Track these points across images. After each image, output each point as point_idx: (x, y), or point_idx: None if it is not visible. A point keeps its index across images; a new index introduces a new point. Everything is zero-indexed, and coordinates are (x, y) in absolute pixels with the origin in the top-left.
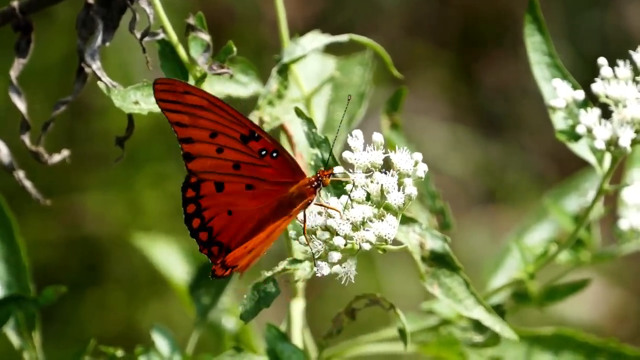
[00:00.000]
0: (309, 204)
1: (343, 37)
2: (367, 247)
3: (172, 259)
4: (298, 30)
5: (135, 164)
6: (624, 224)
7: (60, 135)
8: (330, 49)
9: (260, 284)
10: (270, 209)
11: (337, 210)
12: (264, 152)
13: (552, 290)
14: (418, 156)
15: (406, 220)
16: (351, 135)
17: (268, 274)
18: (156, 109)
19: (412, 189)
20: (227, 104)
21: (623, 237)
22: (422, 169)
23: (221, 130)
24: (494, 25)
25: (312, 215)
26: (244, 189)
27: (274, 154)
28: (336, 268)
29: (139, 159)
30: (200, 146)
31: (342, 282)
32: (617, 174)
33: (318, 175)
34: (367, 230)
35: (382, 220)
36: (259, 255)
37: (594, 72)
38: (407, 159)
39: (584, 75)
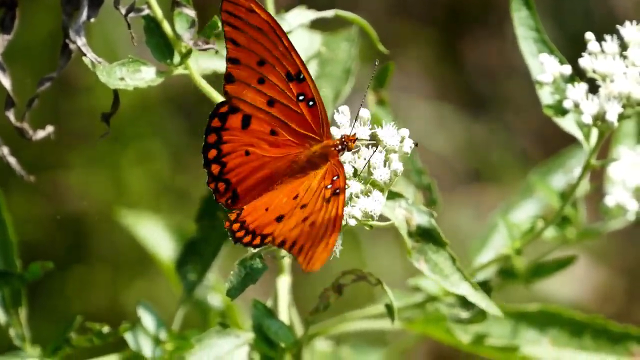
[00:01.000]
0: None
1: (329, 13)
2: (352, 222)
3: (158, 236)
4: (283, 5)
5: (121, 142)
6: (610, 201)
7: (46, 112)
8: (316, 25)
9: (246, 260)
10: (286, 162)
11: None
12: (301, 97)
13: (538, 266)
14: (405, 132)
15: (392, 196)
16: (337, 111)
17: (255, 250)
18: (141, 84)
19: (398, 164)
20: (286, 35)
21: (609, 214)
22: (409, 145)
23: (270, 61)
24: (480, 2)
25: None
26: (268, 132)
27: (310, 103)
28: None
29: (125, 136)
30: (244, 70)
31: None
32: (604, 150)
33: (343, 138)
34: (352, 206)
35: (368, 196)
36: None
37: (580, 50)
38: (393, 135)
39: (569, 54)
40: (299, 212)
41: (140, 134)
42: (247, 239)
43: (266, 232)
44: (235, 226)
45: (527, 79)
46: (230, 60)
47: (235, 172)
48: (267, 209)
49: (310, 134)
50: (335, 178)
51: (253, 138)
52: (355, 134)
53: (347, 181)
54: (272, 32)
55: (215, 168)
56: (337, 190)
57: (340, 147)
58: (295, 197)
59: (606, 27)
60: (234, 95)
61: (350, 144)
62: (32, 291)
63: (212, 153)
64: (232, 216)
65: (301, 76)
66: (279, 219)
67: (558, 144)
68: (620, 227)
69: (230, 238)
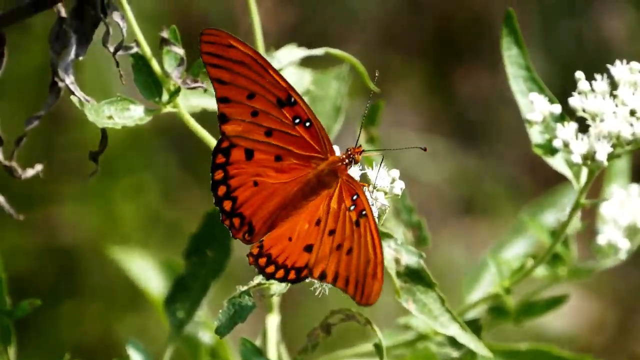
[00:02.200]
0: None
1: (319, 51)
2: None
3: (148, 272)
4: (272, 39)
5: (112, 175)
6: (601, 239)
7: (38, 145)
8: (306, 60)
9: (235, 298)
10: (296, 186)
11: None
12: (297, 120)
13: (529, 305)
14: (395, 173)
15: (382, 236)
16: None
17: (243, 288)
18: (130, 123)
19: (384, 201)
20: (268, 62)
21: (601, 252)
22: (399, 186)
23: (259, 92)
24: (470, 34)
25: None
26: (273, 160)
27: (307, 124)
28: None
29: (116, 170)
30: (236, 107)
31: (317, 293)
32: (595, 188)
33: (349, 152)
34: None
35: None
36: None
37: (571, 79)
38: (384, 176)
39: (560, 83)
40: (327, 239)
41: (131, 168)
42: (280, 273)
43: (299, 265)
44: (262, 261)
45: (518, 110)
46: (220, 100)
47: (248, 205)
48: (290, 239)
49: (314, 154)
50: (355, 197)
51: (259, 168)
52: (360, 145)
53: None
54: (255, 64)
55: (227, 204)
56: (363, 212)
57: (347, 160)
58: (318, 223)
59: (598, 56)
60: (232, 134)
61: (356, 156)
62: (23, 324)
63: (222, 190)
64: (255, 250)
65: (292, 100)
66: (308, 248)
67: (550, 175)
68: (612, 266)
69: (260, 274)
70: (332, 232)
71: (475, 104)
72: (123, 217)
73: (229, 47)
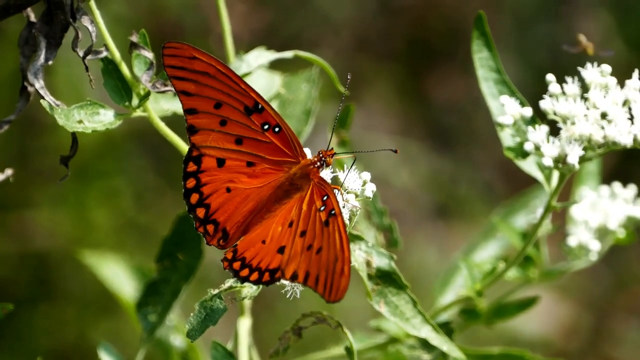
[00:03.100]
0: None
1: (288, 54)
2: None
3: (121, 276)
4: (245, 43)
5: (86, 180)
6: (572, 241)
7: (11, 151)
8: (277, 64)
9: (206, 301)
10: (269, 190)
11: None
12: (266, 127)
13: (500, 307)
14: (366, 175)
15: (352, 238)
16: None
17: (214, 291)
18: (100, 127)
19: (355, 203)
20: (233, 72)
21: (572, 254)
22: (370, 189)
23: (226, 101)
24: (443, 38)
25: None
26: (245, 165)
27: (277, 129)
28: (283, 280)
29: (89, 174)
30: (204, 118)
31: (288, 295)
32: (566, 190)
33: (320, 154)
34: None
35: None
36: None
37: (543, 84)
38: (355, 179)
39: (534, 88)
40: (299, 240)
41: (105, 172)
42: (255, 276)
43: (273, 267)
44: (236, 265)
45: (492, 114)
46: (187, 111)
47: (221, 211)
48: (264, 241)
49: (286, 159)
50: (325, 198)
51: (231, 174)
52: (332, 148)
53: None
54: (219, 73)
55: (200, 212)
56: (332, 212)
57: (318, 163)
58: (291, 225)
59: (572, 61)
60: (201, 144)
61: (328, 159)
62: None
63: (194, 197)
64: (229, 255)
65: (259, 107)
66: (281, 250)
67: (523, 178)
68: (583, 267)
69: (235, 278)
70: (303, 233)
71: (449, 108)
72: (97, 222)
73: (192, 59)
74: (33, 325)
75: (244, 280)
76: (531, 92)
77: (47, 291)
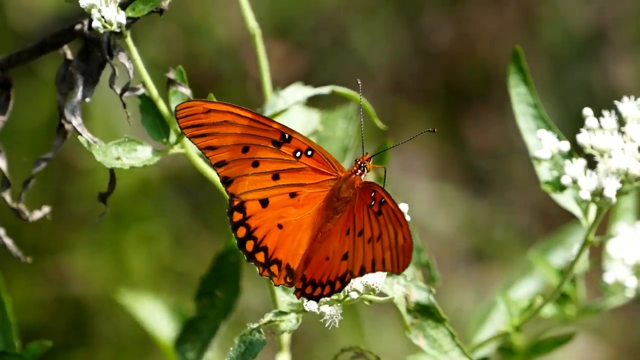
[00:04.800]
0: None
1: (325, 89)
2: (354, 295)
3: (158, 316)
4: (282, 87)
5: (122, 224)
6: (609, 278)
7: (48, 195)
8: (315, 103)
9: (246, 335)
10: (320, 212)
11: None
12: (298, 154)
13: (537, 344)
14: (404, 207)
15: (390, 273)
16: None
17: (254, 325)
18: (137, 164)
19: None
20: (250, 111)
21: (608, 291)
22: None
23: (252, 142)
24: (478, 81)
25: None
26: (289, 197)
27: (309, 153)
28: (324, 308)
29: (126, 218)
30: (235, 165)
31: (327, 325)
32: (603, 226)
33: (358, 162)
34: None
35: None
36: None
37: (580, 125)
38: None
39: (570, 131)
40: (359, 240)
41: (141, 216)
42: (327, 290)
43: (341, 274)
44: (309, 289)
45: (528, 157)
46: (216, 165)
47: (280, 249)
48: (327, 258)
49: (326, 178)
50: (373, 194)
51: (278, 210)
52: (367, 153)
53: None
54: (238, 117)
55: (260, 256)
56: (382, 200)
57: (359, 171)
58: (348, 233)
59: (608, 102)
60: (239, 193)
61: (367, 164)
62: None
63: (250, 245)
64: (299, 285)
65: (287, 136)
66: (345, 257)
67: (560, 221)
68: (619, 304)
69: (309, 301)
70: (361, 233)
71: (485, 151)
72: (133, 266)
73: (207, 113)
74: None
75: (318, 299)
76: (568, 132)
77: (84, 336)
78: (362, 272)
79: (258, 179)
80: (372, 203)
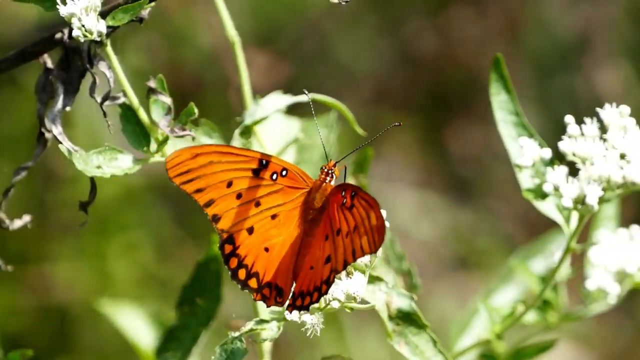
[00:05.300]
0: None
1: (304, 97)
2: (335, 305)
3: (138, 326)
4: (265, 95)
5: (106, 233)
6: (591, 284)
7: (30, 204)
8: (295, 112)
9: (227, 344)
10: (300, 227)
11: None
12: (274, 176)
13: (518, 351)
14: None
15: (372, 280)
16: None
17: (235, 334)
18: (118, 172)
19: None
20: (233, 147)
21: (590, 298)
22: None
23: (235, 176)
24: (462, 90)
25: None
26: (270, 220)
27: (284, 173)
28: (305, 317)
29: (109, 227)
30: (221, 202)
31: (308, 334)
32: (585, 233)
33: (324, 169)
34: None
35: (350, 278)
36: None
37: (563, 132)
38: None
39: (553, 138)
40: (338, 239)
41: (125, 224)
42: (315, 296)
43: (326, 277)
44: (299, 301)
45: (511, 165)
46: (205, 205)
47: (269, 272)
48: (312, 267)
49: (300, 193)
50: (343, 192)
51: (262, 233)
52: (331, 159)
53: None
54: (222, 154)
55: (252, 282)
56: (353, 193)
57: (328, 178)
58: (327, 238)
59: (591, 111)
60: (228, 228)
61: (335, 169)
62: None
63: (242, 273)
64: (290, 301)
65: (264, 162)
66: (328, 260)
67: (543, 229)
68: (602, 311)
69: (300, 311)
70: (339, 232)
71: (468, 159)
72: (117, 275)
73: (195, 157)
74: None
75: (309, 306)
76: (550, 139)
77: (66, 344)
78: (345, 265)
79: (242, 209)
80: (345, 201)
